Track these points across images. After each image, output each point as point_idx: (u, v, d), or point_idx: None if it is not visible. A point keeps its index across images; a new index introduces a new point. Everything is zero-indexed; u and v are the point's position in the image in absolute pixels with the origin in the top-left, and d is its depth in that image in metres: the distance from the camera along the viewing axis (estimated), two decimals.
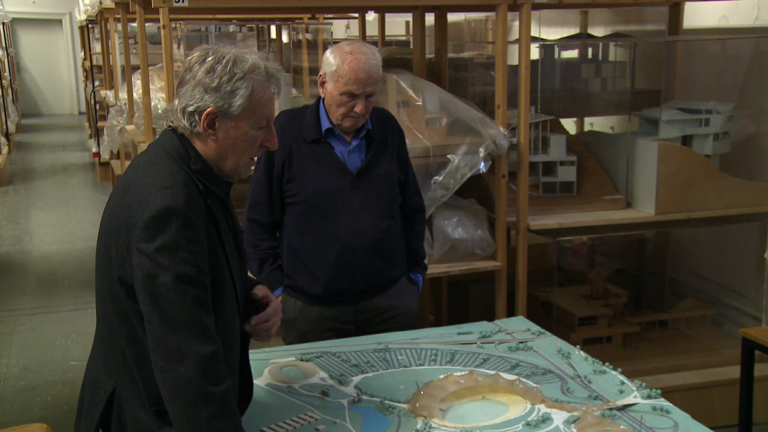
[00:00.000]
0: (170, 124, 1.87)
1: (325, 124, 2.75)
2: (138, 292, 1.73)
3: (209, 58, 1.80)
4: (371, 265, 2.78)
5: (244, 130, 1.83)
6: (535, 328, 2.66)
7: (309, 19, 7.46)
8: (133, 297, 1.75)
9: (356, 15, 6.12)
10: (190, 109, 1.80)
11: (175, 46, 4.36)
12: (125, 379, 1.82)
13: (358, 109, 2.66)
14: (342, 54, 2.65)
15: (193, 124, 1.81)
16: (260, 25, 8.02)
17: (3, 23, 14.55)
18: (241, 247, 2.00)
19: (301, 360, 2.42)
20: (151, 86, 4.33)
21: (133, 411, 1.81)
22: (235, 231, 1.97)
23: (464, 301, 4.41)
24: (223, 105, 1.79)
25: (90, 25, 10.33)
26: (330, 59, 2.67)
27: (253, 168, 2.08)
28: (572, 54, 4.68)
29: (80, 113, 17.42)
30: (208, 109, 1.79)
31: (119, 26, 5.77)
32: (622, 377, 2.28)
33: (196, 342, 1.70)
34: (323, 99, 2.75)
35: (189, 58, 1.84)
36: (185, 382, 1.69)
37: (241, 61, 1.80)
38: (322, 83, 2.72)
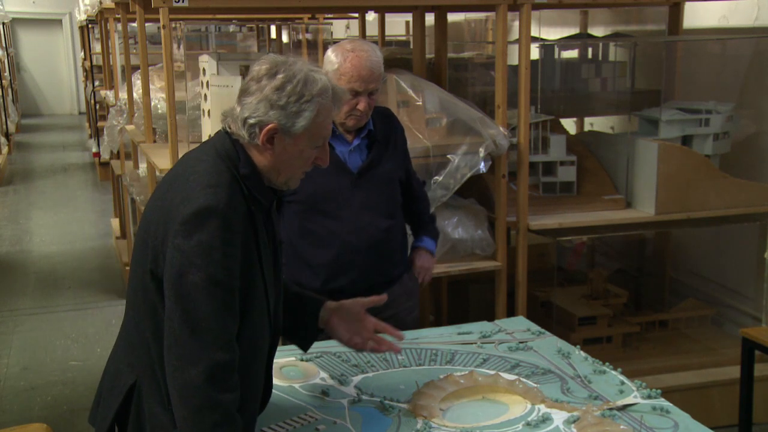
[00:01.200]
0: (227, 128, 1.86)
1: None
2: (165, 288, 1.73)
3: (280, 75, 1.78)
4: (371, 264, 2.79)
5: (301, 148, 1.83)
6: (535, 328, 2.66)
7: (309, 19, 7.46)
8: (162, 291, 1.75)
9: (356, 15, 6.11)
10: (252, 121, 1.79)
11: (175, 46, 4.35)
12: (147, 373, 1.82)
13: (361, 106, 2.66)
14: (344, 52, 2.66)
15: (252, 136, 1.80)
16: (260, 25, 8.01)
17: (3, 23, 14.56)
18: (278, 258, 1.99)
19: (301, 360, 2.42)
20: (151, 86, 4.32)
21: (152, 406, 1.81)
22: (274, 241, 1.96)
23: (464, 301, 4.41)
24: (287, 123, 1.79)
25: (90, 25, 10.31)
26: (332, 58, 2.67)
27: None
28: (572, 54, 4.68)
29: (80, 113, 17.42)
30: (270, 126, 1.79)
31: (119, 26, 5.77)
32: (622, 377, 2.28)
33: (213, 348, 1.70)
34: None
35: (257, 68, 1.82)
36: (194, 386, 1.69)
37: (312, 82, 1.79)
38: None
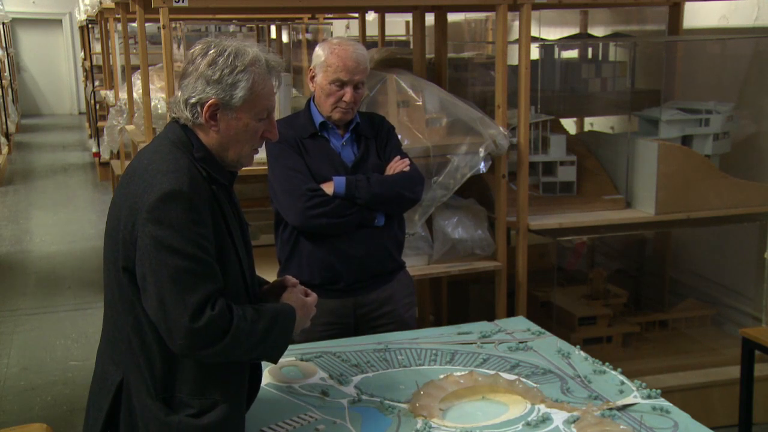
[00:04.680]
0: (174, 115, 1.90)
1: (318, 119, 2.84)
2: (139, 276, 1.75)
3: (211, 51, 1.83)
4: (367, 255, 2.82)
5: (245, 122, 1.86)
6: (535, 328, 2.66)
7: (309, 19, 7.46)
8: (137, 285, 1.77)
9: (356, 15, 6.11)
10: (193, 100, 1.84)
11: (175, 46, 4.36)
12: (132, 368, 1.83)
13: (347, 98, 2.75)
14: (330, 46, 2.79)
15: (196, 116, 1.84)
16: (260, 25, 8.01)
17: (3, 23, 14.55)
18: (247, 238, 2.02)
19: (301, 360, 2.42)
20: (151, 86, 4.32)
21: (142, 400, 1.82)
22: (240, 220, 1.99)
23: (464, 301, 4.41)
24: (225, 97, 1.82)
25: (90, 25, 10.33)
26: (318, 52, 2.80)
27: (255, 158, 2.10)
28: (572, 54, 4.68)
29: (80, 113, 17.41)
30: (210, 101, 1.82)
31: (119, 26, 5.77)
32: (622, 377, 2.28)
33: (185, 315, 1.72)
34: (313, 95, 2.86)
35: (191, 50, 1.88)
36: (199, 332, 1.73)
37: (242, 54, 1.83)
38: (312, 77, 2.83)
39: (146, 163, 1.83)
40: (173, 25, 3.90)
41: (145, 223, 1.73)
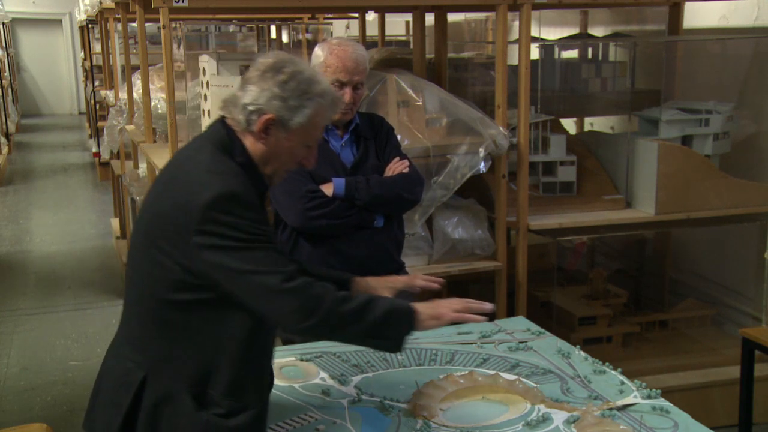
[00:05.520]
0: (224, 113, 1.91)
1: None
2: (213, 274, 1.76)
3: (286, 69, 1.85)
4: (367, 256, 2.82)
5: (293, 144, 1.89)
6: (535, 328, 2.66)
7: (309, 19, 7.46)
8: (180, 277, 1.77)
9: (356, 15, 6.11)
10: (252, 108, 1.84)
11: (175, 46, 4.35)
12: (160, 364, 1.83)
13: (346, 98, 2.75)
14: (329, 46, 2.78)
15: (250, 123, 1.86)
16: (260, 25, 8.01)
17: (3, 23, 14.55)
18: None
19: (301, 360, 2.42)
20: (151, 86, 4.33)
21: (169, 396, 1.81)
22: None
23: None
24: (285, 116, 1.84)
25: (90, 25, 10.31)
26: (318, 52, 2.80)
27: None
28: (572, 54, 4.68)
29: (80, 113, 17.41)
30: (269, 115, 1.84)
31: (119, 26, 5.77)
32: (622, 377, 2.28)
33: (281, 283, 1.76)
34: None
35: (264, 60, 1.89)
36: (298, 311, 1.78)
37: (315, 82, 1.87)
38: None
39: (191, 163, 1.84)
40: (173, 25, 3.90)
41: (203, 222, 1.73)
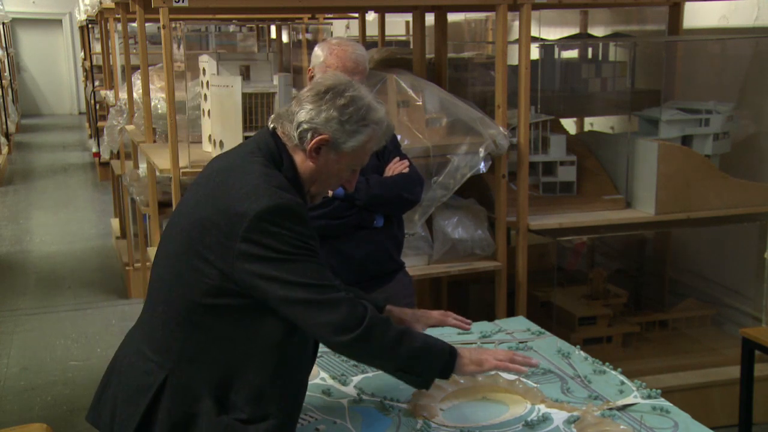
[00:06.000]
0: (275, 125, 1.91)
1: None
2: (254, 283, 1.75)
3: (348, 93, 1.86)
4: (367, 256, 2.82)
5: (341, 167, 1.90)
6: (535, 328, 2.66)
7: (309, 19, 7.46)
8: (217, 283, 1.77)
9: (356, 15, 6.11)
10: (306, 126, 1.85)
11: (175, 46, 4.36)
12: (183, 365, 1.82)
13: None
14: (329, 46, 2.78)
15: (303, 141, 1.86)
16: (260, 25, 8.01)
17: (3, 23, 14.55)
18: None
19: None
20: (151, 86, 4.32)
21: (190, 398, 1.81)
22: None
23: (464, 301, 4.41)
24: (339, 139, 1.85)
25: (90, 25, 10.30)
26: (318, 52, 2.79)
27: None
28: (572, 54, 4.68)
29: (80, 113, 17.41)
30: (324, 136, 1.84)
31: (119, 26, 5.76)
32: (622, 377, 2.28)
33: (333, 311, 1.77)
34: None
35: (324, 81, 1.90)
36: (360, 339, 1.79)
37: (373, 110, 1.88)
38: (311, 78, 2.81)
39: (241, 168, 1.83)
40: (173, 25, 3.90)
41: (251, 231, 1.73)
